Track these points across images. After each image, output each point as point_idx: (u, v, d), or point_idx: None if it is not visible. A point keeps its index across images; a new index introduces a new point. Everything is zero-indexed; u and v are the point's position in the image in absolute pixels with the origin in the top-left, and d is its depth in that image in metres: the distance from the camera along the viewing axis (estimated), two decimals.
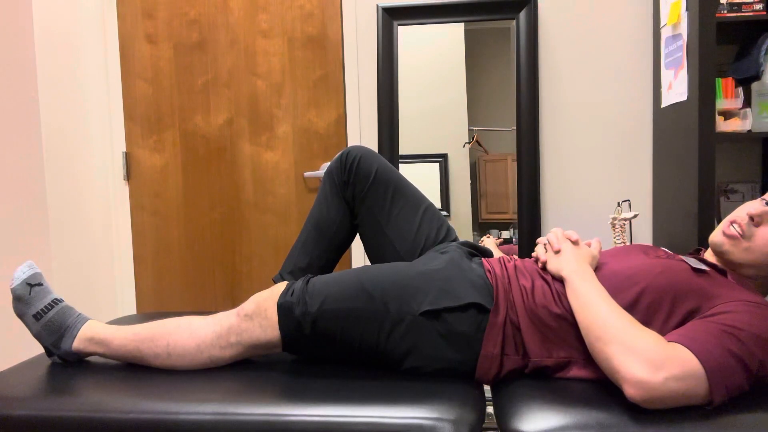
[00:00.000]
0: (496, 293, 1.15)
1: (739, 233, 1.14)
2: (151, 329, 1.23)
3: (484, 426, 1.07)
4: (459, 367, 1.15)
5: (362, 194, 1.39)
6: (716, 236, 1.18)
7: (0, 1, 2.09)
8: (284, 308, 1.18)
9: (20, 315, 1.26)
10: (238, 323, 1.20)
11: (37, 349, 1.90)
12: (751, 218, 1.14)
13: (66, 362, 1.28)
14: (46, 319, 1.25)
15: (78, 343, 1.25)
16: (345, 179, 1.39)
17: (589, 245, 1.26)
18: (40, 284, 1.27)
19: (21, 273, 1.27)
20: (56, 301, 1.27)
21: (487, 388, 1.17)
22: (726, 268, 1.18)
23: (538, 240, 1.30)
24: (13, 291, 1.26)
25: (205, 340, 1.20)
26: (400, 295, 1.16)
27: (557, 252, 1.21)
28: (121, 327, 1.26)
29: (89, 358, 1.31)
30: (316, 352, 1.22)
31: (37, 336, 1.26)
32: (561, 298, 1.13)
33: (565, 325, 1.12)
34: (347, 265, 2.45)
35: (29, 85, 2.14)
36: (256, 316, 1.19)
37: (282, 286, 1.23)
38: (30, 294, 1.25)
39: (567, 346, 1.12)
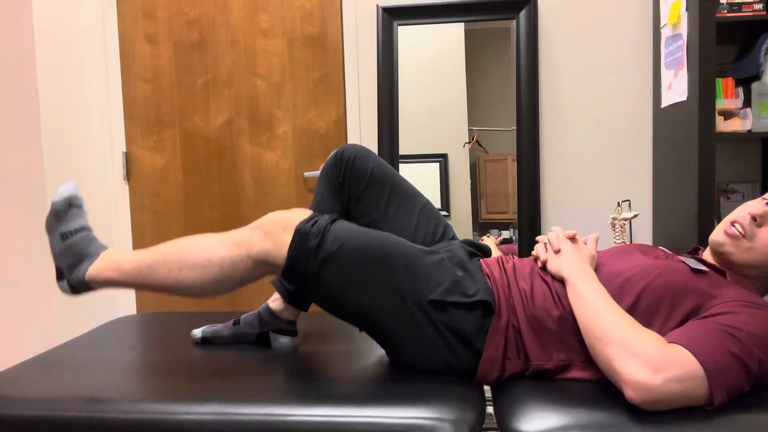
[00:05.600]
0: (497, 298, 1.15)
1: (741, 233, 1.14)
2: (164, 246, 1.22)
3: (484, 426, 1.07)
4: (456, 364, 1.15)
5: (358, 194, 1.38)
6: (717, 236, 1.18)
7: (0, 2, 2.09)
8: (301, 234, 1.15)
9: (49, 230, 1.26)
10: (251, 235, 1.17)
11: (37, 349, 1.90)
12: (754, 218, 1.14)
13: (73, 291, 1.27)
14: (71, 241, 1.25)
15: (93, 268, 1.23)
16: (340, 180, 1.39)
17: (585, 243, 1.25)
18: (79, 207, 1.28)
19: (65, 190, 1.27)
20: (86, 228, 1.27)
21: (487, 388, 1.17)
22: (725, 268, 1.18)
23: (538, 238, 1.30)
24: (53, 204, 1.26)
25: (216, 253, 1.17)
26: (414, 274, 1.15)
27: (557, 252, 1.21)
28: (135, 251, 1.26)
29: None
30: (310, 291, 1.19)
31: (57, 255, 1.26)
32: (561, 299, 1.13)
33: (565, 327, 1.11)
34: None
35: (29, 85, 2.14)
36: (270, 232, 1.16)
37: (303, 213, 1.20)
38: (67, 213, 1.26)
39: (567, 348, 1.12)
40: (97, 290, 1.28)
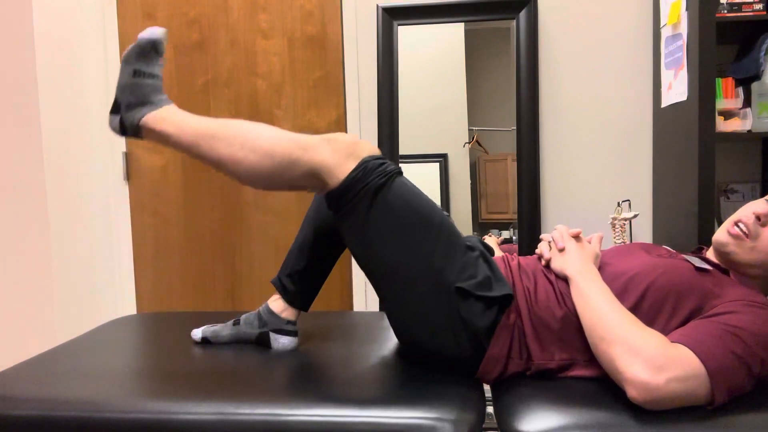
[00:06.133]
0: None
1: (744, 232, 1.14)
2: (228, 121, 1.21)
3: (484, 426, 1.07)
4: (459, 355, 1.14)
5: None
6: (721, 236, 1.18)
7: (0, 2, 2.09)
8: (367, 168, 1.14)
9: (125, 61, 1.26)
10: (320, 145, 1.16)
11: (37, 349, 1.90)
12: (758, 218, 1.14)
13: (121, 130, 1.26)
14: (142, 81, 1.24)
15: (153, 115, 1.22)
16: None
17: (589, 241, 1.25)
18: (160, 54, 1.28)
19: (156, 33, 1.27)
20: (159, 77, 1.27)
21: (487, 387, 1.17)
22: (728, 267, 1.18)
23: (542, 236, 1.30)
24: (140, 39, 1.26)
25: (280, 146, 1.16)
26: (451, 257, 1.14)
27: (561, 250, 1.21)
28: (198, 116, 1.26)
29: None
30: (348, 224, 1.18)
31: (122, 88, 1.25)
32: (565, 298, 1.13)
33: (568, 327, 1.12)
34: (346, 264, 2.45)
35: (29, 85, 2.14)
36: (339, 150, 1.15)
37: (372, 148, 1.20)
38: (149, 54, 1.26)
39: (569, 347, 1.12)
40: (143, 139, 1.27)
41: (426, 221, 1.15)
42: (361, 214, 1.15)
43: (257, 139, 1.18)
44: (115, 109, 1.27)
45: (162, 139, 1.23)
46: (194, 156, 1.22)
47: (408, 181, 1.19)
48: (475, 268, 1.15)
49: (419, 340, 1.17)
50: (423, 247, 1.13)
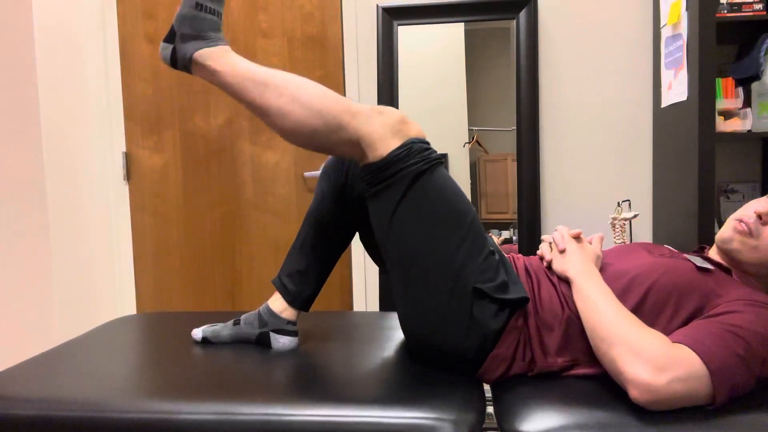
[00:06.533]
0: None
1: (747, 231, 1.14)
2: (283, 73, 1.19)
3: (484, 426, 1.07)
4: (464, 352, 1.14)
5: (361, 194, 1.38)
6: (725, 232, 1.18)
7: (0, 2, 2.09)
8: (411, 150, 1.13)
9: None
10: (370, 114, 1.14)
11: (37, 349, 1.90)
12: (759, 216, 1.14)
13: (171, 60, 1.24)
14: (203, 15, 1.21)
15: (208, 51, 1.20)
16: (343, 181, 1.38)
17: (590, 242, 1.25)
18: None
19: None
20: (220, 15, 1.24)
21: (487, 387, 1.17)
22: (731, 266, 1.18)
23: (543, 237, 1.30)
24: None
25: (331, 107, 1.14)
26: (474, 256, 1.13)
27: (562, 251, 1.21)
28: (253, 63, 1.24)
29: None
30: (377, 201, 1.16)
31: (181, 18, 1.21)
32: (567, 300, 1.13)
33: (570, 329, 1.12)
34: (346, 264, 2.45)
35: (29, 85, 2.14)
36: (387, 125, 1.14)
37: (422, 132, 1.19)
38: None
39: (572, 349, 1.12)
40: (193, 74, 1.25)
41: (457, 216, 1.14)
42: (395, 195, 1.13)
43: (309, 95, 1.15)
44: (170, 38, 1.23)
45: (211, 76, 1.21)
46: (241, 100, 1.20)
47: (447, 173, 1.18)
48: (495, 272, 1.15)
49: (425, 333, 1.16)
50: (449, 241, 1.12)
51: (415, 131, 1.17)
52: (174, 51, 1.23)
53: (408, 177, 1.13)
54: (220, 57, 1.20)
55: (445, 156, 2.27)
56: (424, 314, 1.15)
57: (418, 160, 1.13)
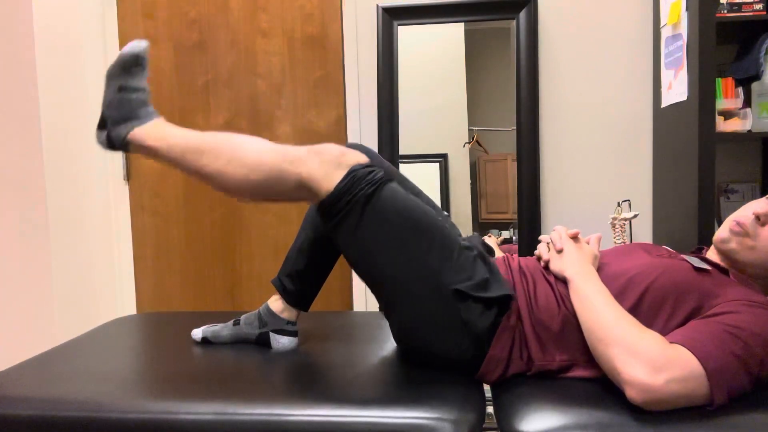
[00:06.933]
0: None
1: (742, 231, 1.14)
2: (215, 135, 1.21)
3: (484, 426, 1.07)
4: (460, 356, 1.14)
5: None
6: (722, 232, 1.18)
7: (0, 1, 2.09)
8: (355, 177, 1.14)
9: (109, 77, 1.25)
10: (307, 157, 1.16)
11: (37, 349, 1.90)
12: (757, 217, 1.14)
13: (109, 145, 1.26)
14: (128, 96, 1.24)
15: (141, 131, 1.22)
16: None
17: (588, 242, 1.26)
18: (144, 68, 1.27)
19: (137, 46, 1.26)
20: (145, 91, 1.26)
21: (487, 387, 1.17)
22: (728, 267, 1.18)
23: (541, 237, 1.30)
24: (121, 54, 1.25)
25: (267, 160, 1.16)
26: (447, 259, 1.14)
27: (560, 251, 1.21)
28: (186, 129, 1.25)
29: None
30: (341, 235, 1.18)
31: (108, 104, 1.24)
32: (564, 299, 1.13)
33: (567, 328, 1.12)
34: (346, 264, 2.45)
35: (29, 85, 2.14)
36: (326, 161, 1.15)
37: (360, 155, 1.19)
38: (133, 68, 1.25)
39: (569, 348, 1.12)
40: (132, 153, 1.27)
41: (418, 225, 1.14)
42: (352, 224, 1.15)
43: (244, 152, 1.17)
44: (102, 124, 1.26)
45: (150, 153, 1.23)
46: (183, 170, 1.22)
47: (398, 187, 1.19)
48: (473, 268, 1.15)
49: (420, 344, 1.17)
50: (418, 252, 1.13)
51: (354, 159, 1.18)
52: (109, 136, 1.25)
53: (359, 204, 1.14)
54: (154, 133, 1.22)
55: (445, 156, 2.27)
56: (415, 327, 1.16)
57: (363, 185, 1.14)
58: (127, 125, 1.23)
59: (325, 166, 1.15)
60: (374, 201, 1.14)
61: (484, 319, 1.13)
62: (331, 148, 1.17)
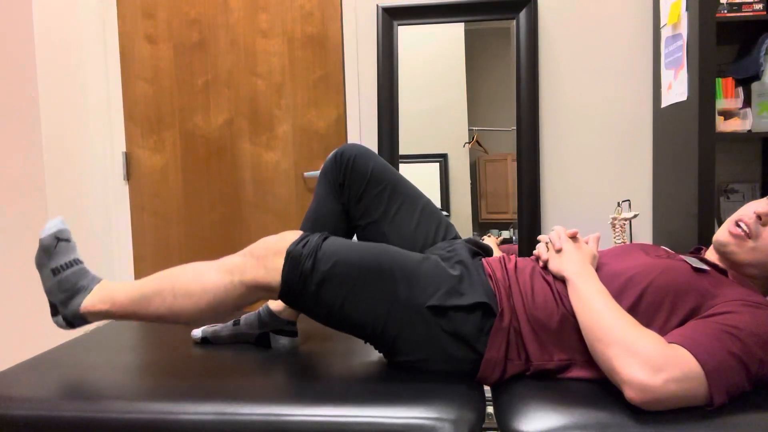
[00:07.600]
0: (499, 299, 1.15)
1: (746, 232, 1.14)
2: (157, 276, 1.22)
3: (484, 426, 1.07)
4: (458, 366, 1.15)
5: (358, 195, 1.38)
6: (721, 235, 1.18)
7: (0, 1, 2.09)
8: (293, 257, 1.15)
9: (39, 266, 1.26)
10: (243, 262, 1.18)
11: (36, 349, 1.90)
12: (759, 217, 1.13)
13: (69, 325, 1.26)
14: (63, 275, 1.24)
15: (88, 301, 1.23)
16: (341, 181, 1.39)
17: (587, 242, 1.25)
18: (67, 240, 1.27)
19: (52, 225, 1.27)
20: (77, 261, 1.27)
21: (487, 388, 1.17)
22: (727, 267, 1.18)
23: (540, 237, 1.30)
24: (41, 240, 1.26)
25: (209, 281, 1.18)
26: (411, 283, 1.15)
27: (559, 251, 1.21)
28: (129, 282, 1.26)
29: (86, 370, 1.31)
30: (309, 310, 1.19)
31: (49, 291, 1.25)
32: (562, 299, 1.13)
33: (566, 327, 1.12)
34: None
35: (29, 85, 2.14)
36: (262, 257, 1.17)
37: (294, 234, 1.21)
38: (55, 248, 1.25)
39: (568, 348, 1.12)
40: (94, 323, 1.28)
41: (373, 267, 1.16)
42: (313, 298, 1.16)
43: (186, 284, 1.19)
44: (54, 311, 1.26)
45: (106, 316, 1.24)
46: (140, 320, 1.24)
47: (336, 239, 1.20)
48: (439, 276, 1.17)
49: (418, 367, 1.18)
50: (384, 292, 1.15)
51: (288, 240, 1.19)
52: (64, 318, 1.26)
53: (309, 279, 1.15)
54: (99, 297, 1.23)
55: (445, 156, 2.27)
56: (407, 354, 1.17)
57: (304, 260, 1.15)
58: (74, 301, 1.24)
59: (262, 262, 1.17)
60: (321, 268, 1.15)
61: (470, 324, 1.13)
62: (262, 243, 1.19)
